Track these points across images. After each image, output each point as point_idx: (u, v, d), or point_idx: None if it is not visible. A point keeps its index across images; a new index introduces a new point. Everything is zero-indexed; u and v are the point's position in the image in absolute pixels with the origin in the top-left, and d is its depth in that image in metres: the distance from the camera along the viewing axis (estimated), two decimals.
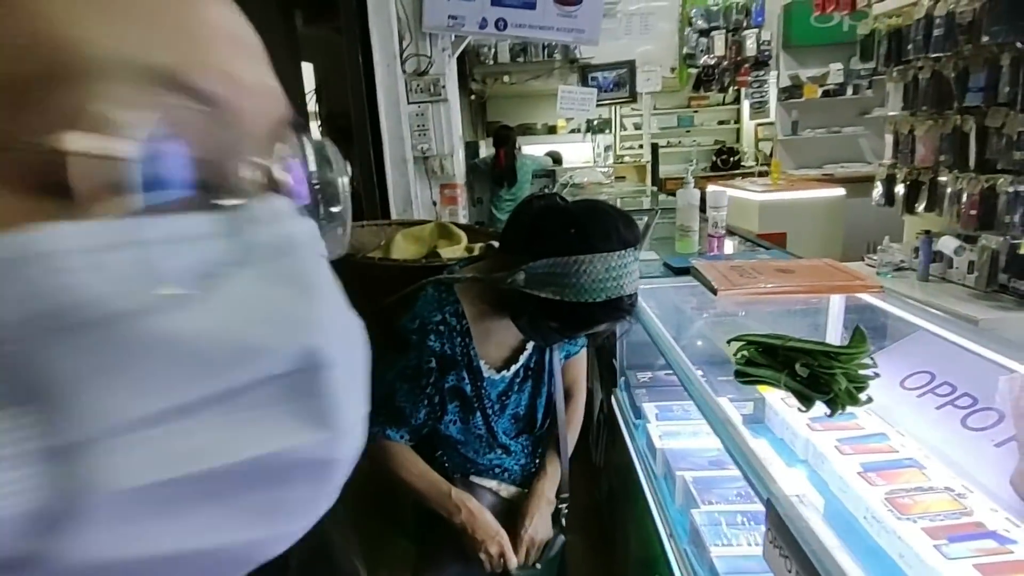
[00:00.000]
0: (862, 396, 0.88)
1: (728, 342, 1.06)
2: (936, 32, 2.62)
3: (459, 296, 1.09)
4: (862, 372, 0.91)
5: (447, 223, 1.69)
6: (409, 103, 2.53)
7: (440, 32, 2.50)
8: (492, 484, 1.19)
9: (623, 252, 0.95)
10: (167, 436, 0.18)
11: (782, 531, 0.63)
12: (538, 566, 1.17)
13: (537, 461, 1.25)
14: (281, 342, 0.20)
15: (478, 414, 1.14)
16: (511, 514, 1.17)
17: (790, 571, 0.61)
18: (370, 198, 2.68)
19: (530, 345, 1.18)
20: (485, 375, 1.13)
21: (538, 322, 1.02)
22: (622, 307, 0.97)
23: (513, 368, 1.16)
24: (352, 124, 2.58)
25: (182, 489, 0.18)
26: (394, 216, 2.59)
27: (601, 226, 0.96)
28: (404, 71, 2.49)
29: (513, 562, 1.11)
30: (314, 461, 0.21)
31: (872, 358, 0.95)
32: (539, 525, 1.17)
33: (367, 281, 1.52)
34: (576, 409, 1.31)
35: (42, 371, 0.16)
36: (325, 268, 0.23)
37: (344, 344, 0.23)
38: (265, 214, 0.21)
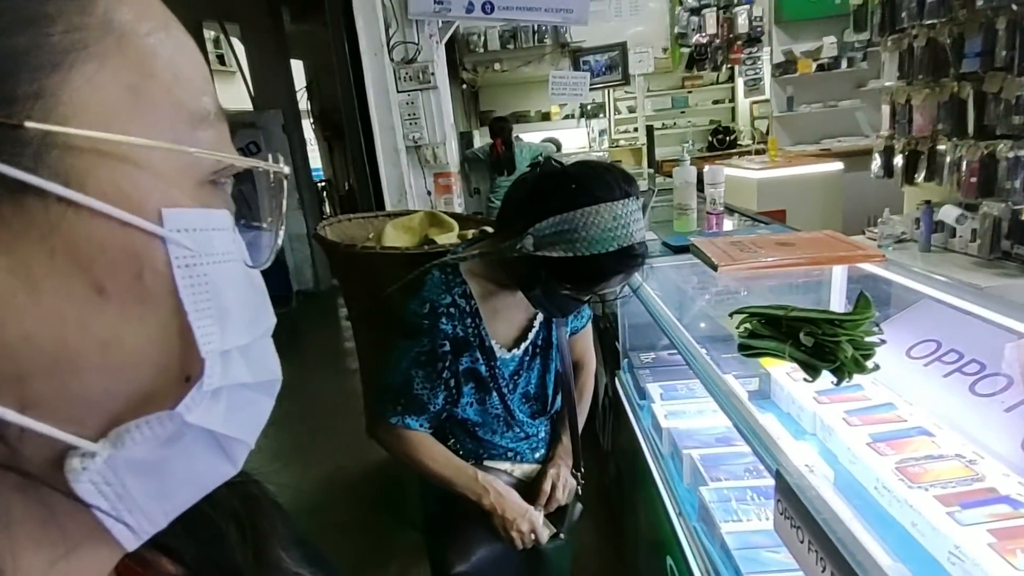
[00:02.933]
0: (868, 363, 0.86)
1: (730, 315, 1.04)
2: None
3: (465, 277, 1.09)
4: (868, 339, 0.90)
5: (436, 212, 1.67)
6: (399, 92, 2.50)
7: (427, 18, 2.46)
8: (506, 466, 1.19)
9: (627, 200, 0.95)
10: (255, 353, 0.28)
11: (792, 501, 0.62)
12: (562, 536, 1.17)
13: (542, 436, 1.25)
14: (270, 315, 0.30)
15: (494, 394, 1.14)
16: (528, 493, 1.18)
17: (802, 541, 0.60)
18: (363, 190, 2.66)
19: (537, 322, 1.18)
20: (497, 354, 1.13)
21: (551, 288, 1.00)
22: (634, 254, 0.96)
23: (523, 346, 1.16)
24: (342, 116, 2.55)
25: (249, 393, 0.27)
26: (389, 207, 2.56)
27: (601, 179, 0.96)
28: (392, 59, 2.46)
29: (544, 536, 1.12)
30: (275, 383, 0.30)
31: (878, 324, 0.94)
32: (564, 473, 1.19)
33: (368, 270, 1.51)
34: (588, 379, 1.32)
35: (220, 297, 0.25)
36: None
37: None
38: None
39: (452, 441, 1.19)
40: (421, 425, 1.08)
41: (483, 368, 1.11)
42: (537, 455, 1.24)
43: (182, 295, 0.24)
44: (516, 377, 1.18)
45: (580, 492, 1.26)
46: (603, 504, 2.14)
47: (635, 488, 1.60)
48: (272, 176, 0.30)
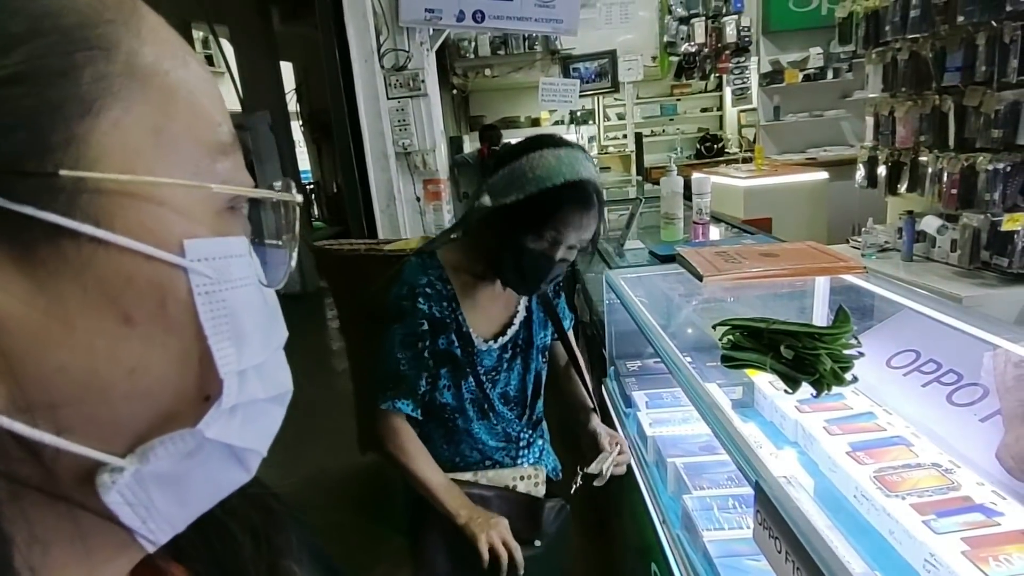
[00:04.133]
0: (847, 376, 0.88)
1: (714, 327, 1.06)
2: (913, 13, 2.64)
3: (443, 265, 1.13)
4: (846, 352, 0.92)
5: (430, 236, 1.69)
6: (389, 99, 2.51)
7: (417, 26, 2.47)
8: (468, 476, 1.18)
9: (570, 149, 1.03)
10: (268, 368, 0.29)
11: (771, 512, 0.63)
12: (537, 543, 1.16)
13: (524, 442, 1.24)
14: (281, 330, 0.32)
15: (470, 378, 1.15)
16: (502, 505, 1.16)
17: (780, 551, 0.61)
18: (352, 195, 2.66)
19: (517, 320, 1.20)
20: (475, 344, 1.14)
21: (516, 245, 1.04)
22: (583, 188, 1.01)
23: (501, 340, 1.18)
24: (332, 120, 2.55)
25: (262, 405, 0.29)
26: (377, 213, 2.56)
27: (546, 136, 1.06)
28: (382, 66, 2.46)
29: (515, 547, 1.08)
30: (287, 395, 0.31)
31: (857, 338, 0.96)
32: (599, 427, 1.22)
33: (355, 271, 1.52)
34: (580, 374, 1.34)
35: (237, 320, 0.27)
36: None
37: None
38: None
39: (428, 447, 1.18)
40: (412, 408, 1.10)
41: (459, 351, 1.13)
42: (521, 462, 1.23)
43: (203, 321, 0.25)
44: (495, 374, 1.19)
45: (573, 492, 1.24)
46: (590, 509, 2.15)
47: (621, 495, 1.61)
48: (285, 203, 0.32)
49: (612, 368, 1.67)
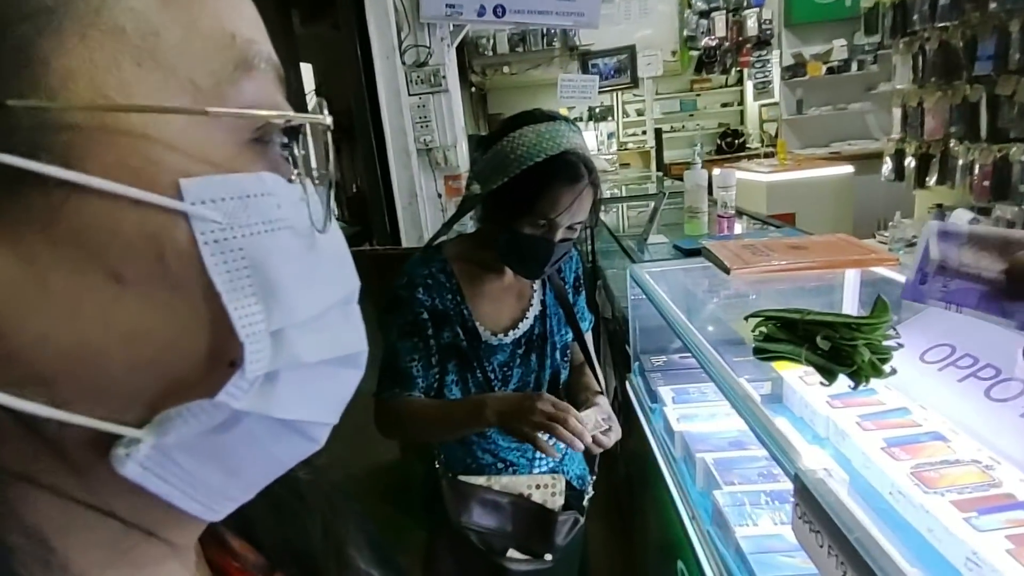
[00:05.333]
0: (886, 367, 0.86)
1: (745, 319, 1.04)
2: (942, 1, 2.57)
3: (447, 257, 1.11)
4: (885, 343, 0.89)
5: None
6: (410, 95, 2.51)
7: (438, 22, 2.48)
8: (480, 480, 1.12)
9: (551, 123, 0.99)
10: (327, 324, 0.25)
11: (811, 505, 0.62)
12: (548, 557, 1.10)
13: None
14: (349, 280, 0.28)
15: (477, 372, 1.11)
16: (515, 515, 1.11)
17: (821, 545, 0.60)
18: (374, 193, 2.67)
19: (531, 314, 1.16)
20: (483, 338, 1.10)
21: (512, 230, 1.00)
22: (569, 161, 0.97)
23: (512, 335, 1.13)
24: (353, 119, 2.56)
25: (320, 369, 0.25)
26: (399, 210, 2.57)
27: (524, 113, 1.02)
28: (404, 63, 2.47)
29: (572, 415, 0.94)
30: (358, 356, 0.28)
31: (895, 328, 0.93)
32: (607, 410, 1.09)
33: (383, 270, 1.52)
34: (594, 373, 1.27)
35: (264, 272, 0.22)
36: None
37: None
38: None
39: (437, 451, 1.17)
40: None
41: (464, 344, 1.09)
42: (536, 468, 1.18)
43: (213, 275, 0.21)
44: (507, 370, 1.14)
45: (587, 506, 1.21)
46: (612, 506, 2.14)
47: (645, 491, 1.60)
48: (317, 128, 0.27)
49: (637, 363, 1.66)
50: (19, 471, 0.20)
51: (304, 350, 0.24)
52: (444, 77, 2.50)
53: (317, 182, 0.27)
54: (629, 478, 1.90)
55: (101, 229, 0.19)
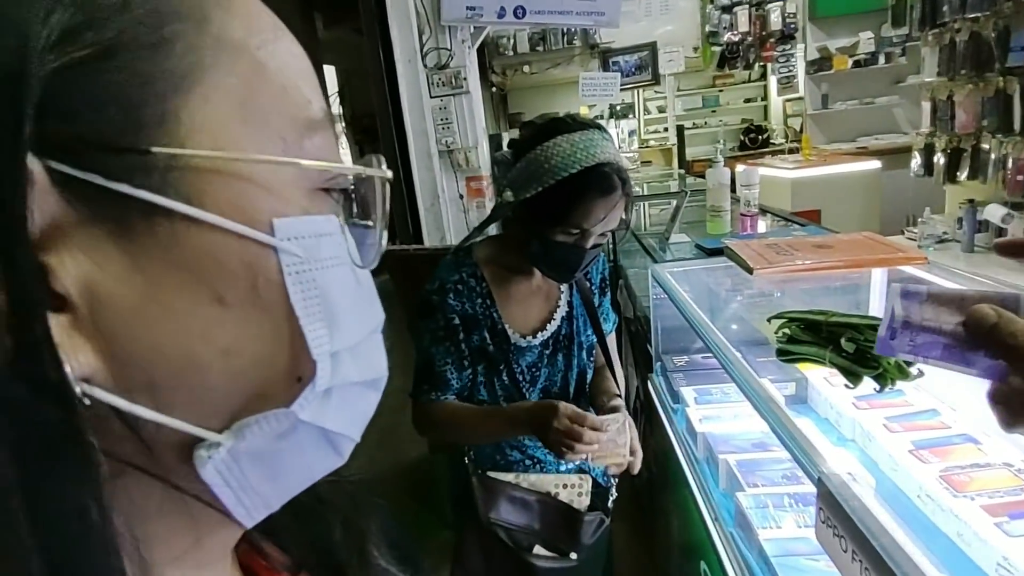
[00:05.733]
0: (912, 370, 0.85)
1: (768, 320, 1.03)
2: None
3: (477, 261, 1.12)
4: None
5: None
6: (432, 97, 2.53)
7: (459, 24, 2.49)
8: (510, 477, 1.15)
9: (584, 131, 0.99)
10: (363, 351, 0.28)
11: (835, 510, 0.61)
12: (573, 556, 1.11)
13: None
14: (377, 312, 0.31)
15: (504, 375, 1.13)
16: (544, 512, 1.12)
17: (845, 551, 0.60)
18: (397, 195, 2.70)
19: (559, 315, 1.17)
20: (512, 340, 1.12)
21: (543, 237, 1.01)
22: (603, 172, 0.98)
23: (541, 336, 1.15)
24: (376, 122, 2.59)
25: (357, 389, 0.28)
26: (422, 212, 2.60)
27: (558, 121, 1.02)
28: (425, 65, 2.49)
29: (588, 426, 0.95)
30: (381, 381, 0.31)
31: None
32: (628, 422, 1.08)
33: (407, 271, 1.54)
34: (614, 376, 1.28)
35: (329, 301, 0.26)
36: None
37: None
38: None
39: (467, 447, 1.20)
40: (447, 400, 1.10)
41: (492, 348, 1.11)
42: (563, 466, 1.20)
43: (293, 301, 0.25)
44: (535, 370, 1.16)
45: (611, 506, 1.21)
46: (634, 507, 2.13)
47: (668, 492, 1.59)
48: (378, 180, 0.31)
49: (659, 363, 1.65)
50: (118, 468, 0.22)
51: (351, 371, 0.27)
52: (465, 79, 2.51)
53: (372, 224, 0.31)
54: (651, 478, 1.90)
55: (211, 258, 0.23)
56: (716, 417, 1.34)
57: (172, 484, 0.24)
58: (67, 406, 0.20)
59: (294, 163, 0.26)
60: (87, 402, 0.21)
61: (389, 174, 0.31)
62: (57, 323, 0.20)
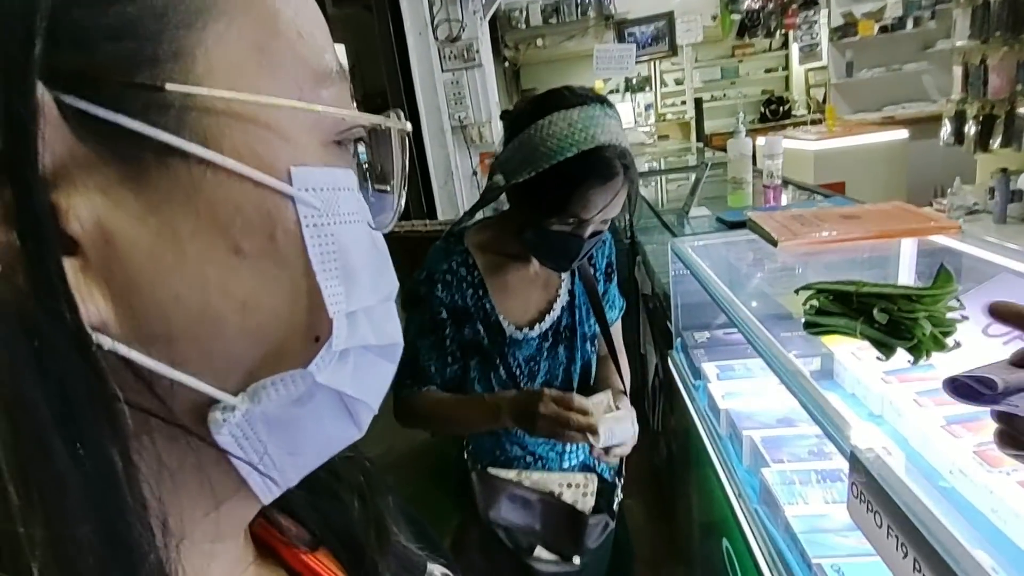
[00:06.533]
0: (949, 341, 0.81)
1: (796, 292, 1.00)
2: None
3: (469, 247, 1.04)
4: (948, 315, 0.84)
5: None
6: (443, 71, 2.49)
7: None
8: (511, 475, 1.09)
9: (584, 106, 0.89)
10: (378, 316, 0.28)
11: (869, 484, 0.59)
12: (576, 560, 1.05)
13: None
14: (392, 279, 0.30)
15: (501, 370, 1.06)
16: (547, 511, 1.07)
17: (880, 526, 0.57)
18: (410, 171, 2.67)
19: (559, 306, 1.10)
20: (508, 333, 1.05)
21: (538, 225, 0.93)
22: (603, 157, 0.88)
23: (539, 328, 1.07)
24: (388, 98, 2.56)
25: (371, 355, 0.27)
26: (436, 189, 2.57)
27: (555, 93, 0.92)
28: (436, 38, 2.44)
29: (575, 409, 0.90)
30: (396, 347, 0.29)
31: (959, 299, 0.88)
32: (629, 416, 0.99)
33: (414, 253, 1.51)
34: (618, 367, 1.20)
35: (347, 258, 0.25)
36: None
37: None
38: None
39: (465, 440, 1.15)
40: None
41: (485, 341, 1.04)
42: (567, 463, 1.15)
43: (311, 255, 0.24)
44: (533, 364, 1.09)
45: (617, 510, 1.15)
46: (652, 484, 2.13)
47: (688, 469, 1.58)
48: (395, 134, 0.29)
49: (679, 340, 1.63)
50: (135, 427, 0.21)
51: (367, 334, 0.26)
52: (478, 51, 2.46)
53: (388, 187, 0.30)
54: (670, 455, 1.88)
55: (228, 205, 0.22)
56: (739, 393, 1.32)
57: (189, 446, 0.23)
58: (85, 353, 0.19)
59: (312, 109, 0.24)
60: (104, 348, 0.20)
61: (408, 126, 0.29)
62: (69, 267, 0.19)
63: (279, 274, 0.23)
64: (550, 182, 0.88)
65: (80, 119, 0.19)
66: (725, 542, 1.20)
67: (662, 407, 1.94)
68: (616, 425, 0.93)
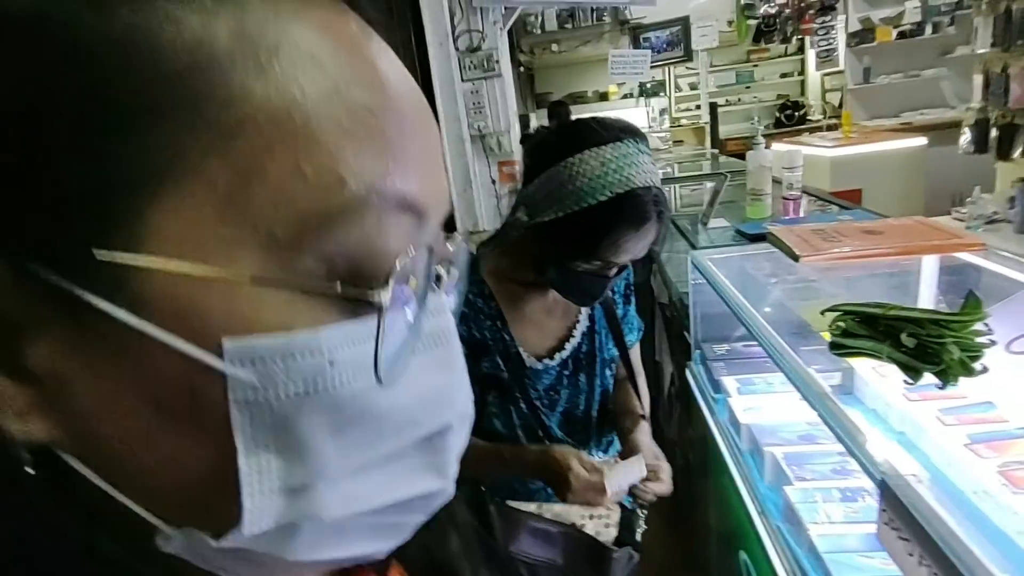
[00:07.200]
0: (976, 366, 0.82)
1: (822, 313, 1.01)
2: None
3: (486, 277, 1.00)
4: (977, 340, 0.85)
5: None
6: (463, 81, 2.51)
7: (491, 5, 2.45)
8: (532, 507, 1.04)
9: (617, 144, 0.84)
10: (360, 481, 0.24)
11: (900, 512, 0.60)
12: None
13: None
14: (434, 418, 0.26)
15: (521, 403, 1.03)
16: (557, 541, 1.01)
17: (911, 555, 0.58)
18: None
19: (578, 332, 1.07)
20: (527, 364, 1.02)
21: (562, 264, 0.90)
22: (638, 201, 0.83)
23: (559, 356, 1.05)
24: None
25: (356, 520, 0.25)
26: (455, 197, 2.59)
27: (586, 126, 0.87)
28: (457, 48, 2.46)
29: (598, 481, 0.91)
30: (430, 497, 0.27)
31: (987, 324, 0.88)
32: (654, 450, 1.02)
33: None
34: (636, 388, 1.18)
35: (291, 432, 0.22)
36: (460, 350, 0.29)
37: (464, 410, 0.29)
38: (435, 306, 0.27)
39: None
40: None
41: (505, 375, 1.00)
42: None
43: (236, 432, 0.22)
44: (553, 393, 1.06)
45: (639, 538, 1.10)
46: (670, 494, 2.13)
47: (705, 481, 1.58)
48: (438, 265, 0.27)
49: (698, 352, 1.63)
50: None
51: (331, 504, 0.24)
52: (497, 62, 2.48)
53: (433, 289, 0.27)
54: (687, 467, 1.89)
55: (153, 370, 0.21)
56: (760, 407, 1.32)
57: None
58: (15, 464, 0.21)
59: (237, 281, 0.21)
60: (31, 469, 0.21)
61: (451, 248, 0.28)
62: (22, 392, 0.21)
63: (200, 438, 0.22)
64: (579, 224, 0.84)
65: (25, 278, 0.20)
66: (743, 554, 1.20)
67: (678, 417, 1.95)
68: (619, 474, 0.95)
